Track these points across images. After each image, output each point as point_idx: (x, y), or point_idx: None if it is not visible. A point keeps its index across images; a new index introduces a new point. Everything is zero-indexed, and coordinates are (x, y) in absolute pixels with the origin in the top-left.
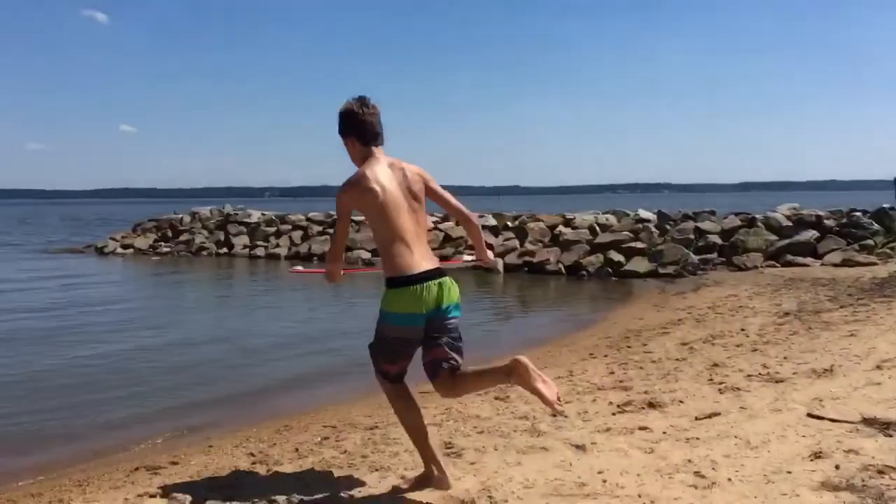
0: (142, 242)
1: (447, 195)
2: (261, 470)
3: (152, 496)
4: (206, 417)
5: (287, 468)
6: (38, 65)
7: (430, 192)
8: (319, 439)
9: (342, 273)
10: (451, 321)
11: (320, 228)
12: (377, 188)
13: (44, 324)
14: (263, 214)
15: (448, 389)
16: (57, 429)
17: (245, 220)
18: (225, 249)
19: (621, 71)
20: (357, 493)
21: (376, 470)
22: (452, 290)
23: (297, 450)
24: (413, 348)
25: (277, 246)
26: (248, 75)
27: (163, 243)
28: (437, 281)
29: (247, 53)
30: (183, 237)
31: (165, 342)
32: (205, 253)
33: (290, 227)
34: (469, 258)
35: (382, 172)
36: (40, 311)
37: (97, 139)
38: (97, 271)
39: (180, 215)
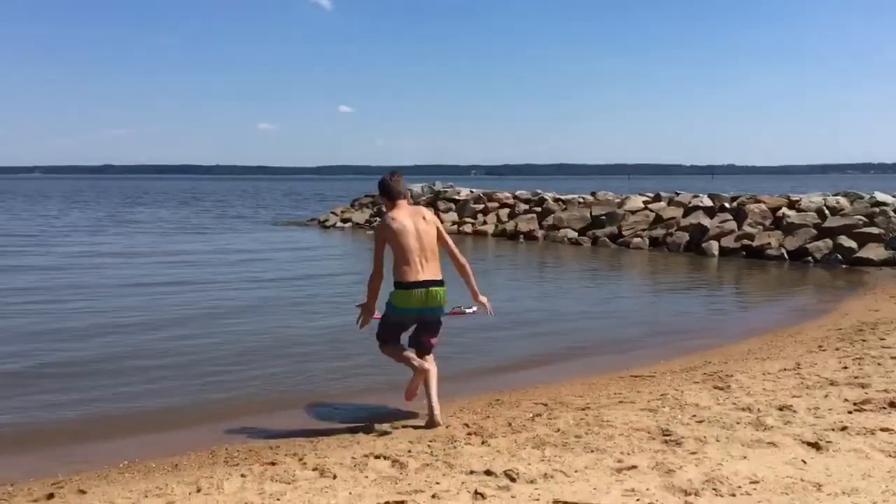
0: (359, 217)
1: (448, 241)
2: (475, 441)
3: (377, 457)
4: None
5: (501, 442)
6: (269, 50)
7: (438, 233)
8: (531, 415)
9: (374, 313)
10: (432, 318)
11: (526, 207)
12: (391, 225)
13: (287, 293)
14: (471, 192)
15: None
16: (296, 391)
17: (454, 196)
18: None
19: (849, 39)
20: (574, 472)
21: (591, 451)
22: (437, 296)
23: (510, 424)
24: (403, 329)
25: (485, 223)
26: (456, 57)
27: (378, 218)
28: (425, 289)
29: (459, 38)
30: None
31: None
32: None
33: (497, 204)
34: (470, 311)
35: (400, 215)
36: (281, 280)
37: (318, 119)
38: (322, 244)
39: None
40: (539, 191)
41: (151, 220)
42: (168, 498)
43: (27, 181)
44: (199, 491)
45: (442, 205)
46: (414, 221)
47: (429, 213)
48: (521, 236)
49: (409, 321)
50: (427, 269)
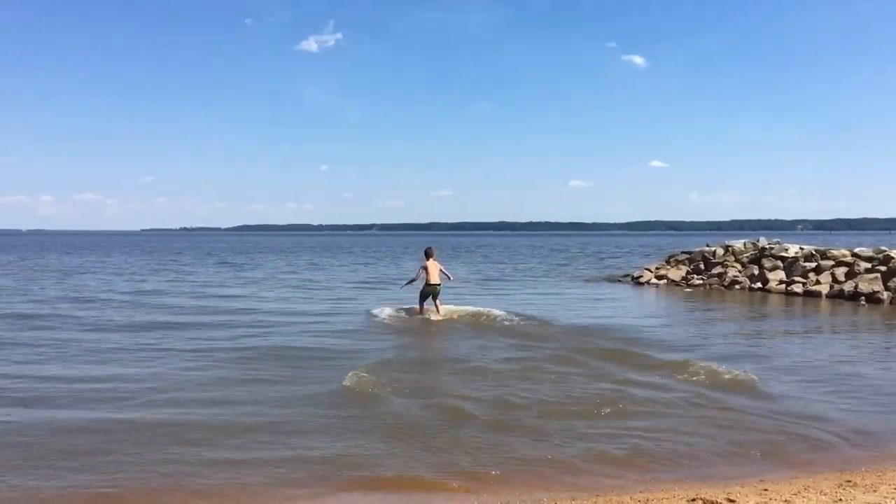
0: (675, 274)
1: (443, 269)
2: None
3: None
4: (757, 454)
5: None
6: (582, 108)
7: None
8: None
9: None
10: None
11: (868, 265)
12: (426, 265)
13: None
14: (801, 248)
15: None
16: (623, 447)
17: (781, 254)
18: (759, 284)
19: None
20: None
21: None
22: (437, 289)
23: None
24: (425, 300)
25: (817, 283)
26: (776, 107)
27: (695, 276)
28: (433, 285)
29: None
30: (715, 270)
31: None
32: (737, 287)
33: (831, 262)
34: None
35: (429, 263)
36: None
37: (630, 175)
38: (642, 306)
39: (713, 248)
40: (884, 248)
41: (467, 272)
42: None
43: (367, 237)
44: None
45: (767, 263)
46: (433, 265)
47: (436, 263)
48: (862, 298)
49: (427, 298)
50: (436, 280)
